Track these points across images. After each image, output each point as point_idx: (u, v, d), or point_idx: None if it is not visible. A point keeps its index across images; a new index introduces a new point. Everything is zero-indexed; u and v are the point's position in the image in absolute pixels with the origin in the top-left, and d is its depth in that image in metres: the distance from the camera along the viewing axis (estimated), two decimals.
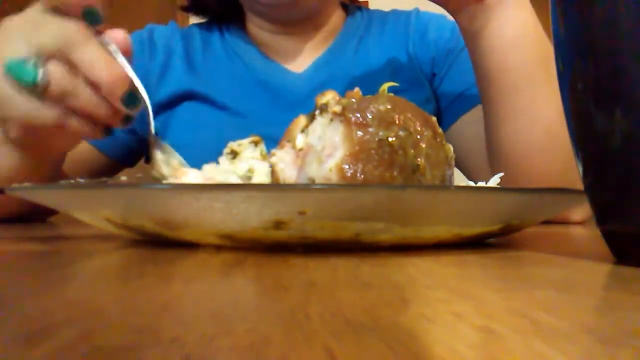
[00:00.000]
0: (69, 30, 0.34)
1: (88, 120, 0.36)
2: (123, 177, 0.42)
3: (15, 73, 0.33)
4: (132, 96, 0.35)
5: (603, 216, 0.22)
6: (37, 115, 0.35)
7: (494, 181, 0.35)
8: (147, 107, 0.38)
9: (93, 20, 0.34)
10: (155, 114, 0.67)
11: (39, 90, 0.33)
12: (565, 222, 0.53)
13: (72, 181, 0.35)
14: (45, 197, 0.29)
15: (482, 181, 0.36)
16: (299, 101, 0.66)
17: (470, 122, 0.63)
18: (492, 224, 0.26)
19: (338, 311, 0.13)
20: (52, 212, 0.59)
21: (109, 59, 0.35)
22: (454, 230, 0.25)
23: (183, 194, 0.22)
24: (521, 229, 0.30)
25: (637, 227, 0.20)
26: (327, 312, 0.13)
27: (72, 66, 0.34)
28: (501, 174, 0.35)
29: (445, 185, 0.28)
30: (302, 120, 0.30)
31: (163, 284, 0.17)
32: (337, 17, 0.72)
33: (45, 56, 0.34)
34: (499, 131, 0.51)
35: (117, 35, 0.36)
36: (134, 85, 0.36)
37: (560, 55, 0.23)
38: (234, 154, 0.36)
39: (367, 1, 2.02)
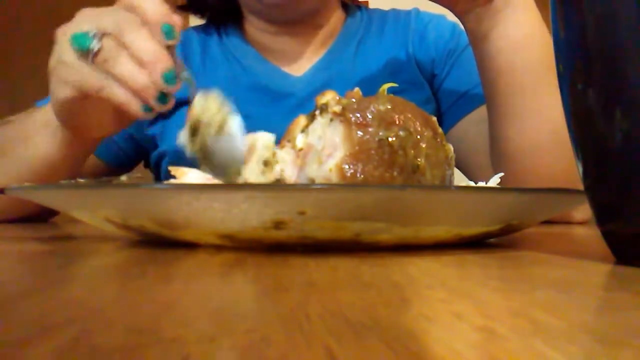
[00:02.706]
0: (126, 18, 0.40)
1: (128, 91, 0.40)
2: (123, 177, 0.42)
3: (75, 41, 0.40)
4: (172, 74, 0.39)
5: (603, 216, 0.22)
6: (86, 79, 0.40)
7: (494, 181, 0.34)
8: (191, 83, 0.41)
9: (168, 36, 0.39)
10: (153, 120, 0.67)
11: (91, 56, 0.39)
12: (568, 222, 0.53)
13: (72, 181, 0.35)
14: (45, 197, 0.29)
15: (484, 181, 0.36)
16: (299, 104, 0.65)
17: (473, 123, 0.63)
18: (492, 224, 0.26)
19: (338, 311, 0.13)
20: (55, 212, 0.59)
21: (155, 42, 0.39)
22: (454, 230, 0.25)
23: (183, 194, 0.22)
24: (521, 229, 0.30)
25: (637, 227, 0.20)
26: (327, 312, 0.13)
27: (123, 46, 0.40)
28: (501, 174, 0.35)
29: (445, 185, 0.28)
30: (302, 120, 0.30)
31: (163, 284, 0.17)
32: (336, 17, 0.72)
33: (101, 33, 0.40)
34: (505, 131, 0.51)
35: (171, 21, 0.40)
36: (177, 67, 0.40)
37: (560, 55, 0.23)
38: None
39: (367, 1, 2.02)
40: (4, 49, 1.90)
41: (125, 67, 0.39)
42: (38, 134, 0.50)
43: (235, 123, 0.36)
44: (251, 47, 0.70)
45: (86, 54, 0.39)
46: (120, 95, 0.39)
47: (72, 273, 0.20)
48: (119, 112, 0.45)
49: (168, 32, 0.39)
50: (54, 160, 0.50)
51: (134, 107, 0.40)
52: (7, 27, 1.93)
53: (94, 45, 0.39)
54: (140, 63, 0.39)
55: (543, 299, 0.15)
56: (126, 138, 0.68)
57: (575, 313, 0.13)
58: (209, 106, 0.36)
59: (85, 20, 0.41)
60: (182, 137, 0.37)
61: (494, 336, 0.11)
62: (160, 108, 0.40)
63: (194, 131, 0.36)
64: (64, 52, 0.41)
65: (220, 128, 0.36)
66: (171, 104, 0.40)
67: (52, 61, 0.43)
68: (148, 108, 0.40)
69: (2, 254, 0.26)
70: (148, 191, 0.24)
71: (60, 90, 0.42)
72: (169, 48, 0.40)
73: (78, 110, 0.44)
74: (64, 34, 0.42)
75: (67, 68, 0.41)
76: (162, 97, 0.39)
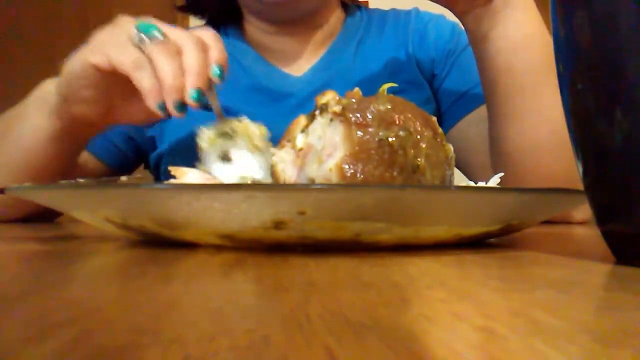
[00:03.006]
0: (195, 39, 0.43)
1: (156, 83, 0.42)
2: (123, 178, 0.42)
3: (141, 25, 0.43)
4: (199, 95, 0.41)
5: (603, 216, 0.22)
6: (127, 55, 0.42)
7: (494, 181, 0.34)
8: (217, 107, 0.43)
9: (216, 73, 0.43)
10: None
11: (146, 42, 0.42)
12: (568, 222, 0.53)
13: (72, 181, 0.35)
14: (45, 197, 0.29)
15: (484, 181, 0.36)
16: (299, 104, 0.65)
17: (473, 123, 0.63)
18: (492, 224, 0.26)
19: (338, 311, 0.13)
20: (58, 213, 0.59)
21: (205, 65, 0.42)
22: (454, 230, 0.25)
23: (183, 194, 0.22)
24: (521, 229, 0.30)
25: (637, 227, 0.20)
26: (327, 312, 0.13)
27: (178, 52, 0.42)
28: (501, 174, 0.35)
29: (445, 185, 0.28)
30: (302, 120, 0.30)
31: (163, 284, 0.17)
32: (336, 17, 0.72)
33: (165, 34, 0.43)
34: (505, 131, 0.51)
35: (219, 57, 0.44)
36: (209, 91, 0.43)
37: (560, 55, 0.23)
38: None
39: (367, 0, 2.02)
40: (4, 49, 1.90)
41: (169, 63, 0.41)
42: (32, 108, 0.51)
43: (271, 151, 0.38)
44: (251, 47, 0.70)
45: (143, 39, 0.42)
46: (147, 82, 0.42)
47: (72, 273, 0.20)
48: (125, 104, 0.47)
49: (218, 71, 0.43)
50: (43, 136, 0.50)
51: (153, 98, 0.42)
52: (7, 27, 1.92)
53: (157, 34, 0.42)
54: (183, 69, 0.41)
55: (543, 299, 0.15)
56: (125, 139, 0.68)
57: (575, 313, 0.13)
58: (251, 126, 0.38)
59: (155, 21, 0.44)
60: (206, 132, 0.39)
61: (494, 336, 0.11)
62: (172, 113, 0.42)
63: (222, 135, 0.38)
64: (118, 29, 0.44)
65: (256, 146, 0.37)
66: (182, 115, 0.42)
67: (99, 34, 0.45)
68: (162, 107, 0.42)
69: (2, 254, 0.26)
70: (148, 191, 0.24)
71: (93, 55, 0.44)
72: (210, 87, 0.43)
73: (91, 83, 0.45)
74: (125, 21, 0.44)
75: (114, 41, 0.44)
76: (180, 105, 0.42)
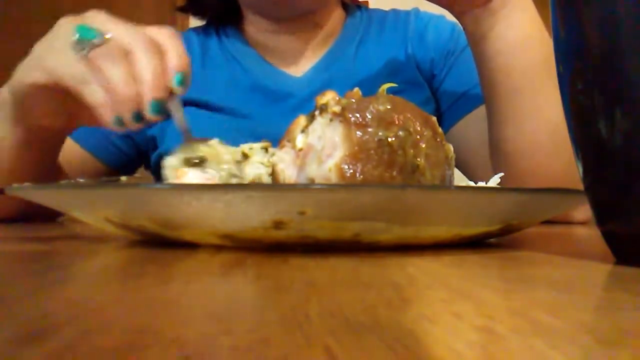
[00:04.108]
0: (146, 40, 0.38)
1: (108, 97, 0.38)
2: (123, 178, 0.42)
3: (80, 30, 0.38)
4: (160, 107, 0.37)
5: (603, 216, 0.22)
6: (70, 69, 0.38)
7: (494, 181, 0.35)
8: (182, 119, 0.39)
9: (178, 82, 0.38)
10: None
11: (87, 50, 0.38)
12: (568, 222, 0.53)
13: (72, 181, 0.35)
14: (45, 197, 0.29)
15: (484, 181, 0.36)
16: (299, 105, 0.65)
17: (473, 123, 0.63)
18: (492, 224, 0.26)
19: (338, 311, 0.13)
20: (59, 212, 0.59)
21: (162, 72, 0.38)
22: (454, 230, 0.25)
23: (183, 194, 0.22)
24: (521, 229, 0.30)
25: (637, 227, 0.20)
26: (327, 312, 0.13)
27: (127, 57, 0.38)
28: (501, 174, 0.35)
29: (445, 185, 0.28)
30: (302, 120, 0.30)
31: (163, 284, 0.17)
32: (337, 17, 0.72)
33: (110, 37, 0.38)
34: (503, 132, 0.51)
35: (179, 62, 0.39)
36: (171, 101, 0.38)
37: (560, 55, 0.23)
38: (244, 157, 0.35)
39: (367, 1, 2.02)
40: (4, 49, 1.90)
41: (121, 72, 0.37)
42: None
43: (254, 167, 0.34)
44: (251, 48, 0.70)
45: (84, 46, 0.38)
46: (99, 97, 0.38)
47: (72, 273, 0.20)
48: (78, 113, 0.43)
49: (180, 80, 0.38)
50: (10, 144, 0.47)
51: (108, 114, 0.38)
52: (7, 27, 1.93)
53: (98, 40, 0.37)
54: (137, 78, 0.37)
55: (543, 299, 0.15)
56: (124, 138, 0.68)
57: (575, 313, 0.13)
58: (220, 149, 0.35)
59: (98, 21, 0.39)
60: (170, 161, 0.34)
61: (494, 336, 0.11)
62: (131, 126, 0.38)
63: (188, 163, 0.34)
64: (57, 38, 0.40)
65: (229, 170, 0.34)
66: (140, 126, 0.38)
67: (39, 44, 0.41)
68: (120, 121, 0.38)
69: (2, 254, 0.26)
70: (148, 191, 0.24)
71: (34, 73, 0.40)
72: (172, 97, 0.38)
73: (41, 100, 0.42)
74: (66, 23, 0.40)
75: (53, 53, 0.40)
76: (138, 116, 0.37)
